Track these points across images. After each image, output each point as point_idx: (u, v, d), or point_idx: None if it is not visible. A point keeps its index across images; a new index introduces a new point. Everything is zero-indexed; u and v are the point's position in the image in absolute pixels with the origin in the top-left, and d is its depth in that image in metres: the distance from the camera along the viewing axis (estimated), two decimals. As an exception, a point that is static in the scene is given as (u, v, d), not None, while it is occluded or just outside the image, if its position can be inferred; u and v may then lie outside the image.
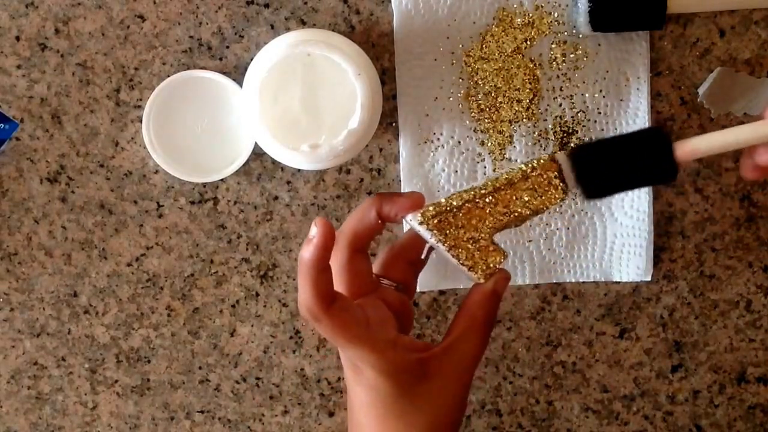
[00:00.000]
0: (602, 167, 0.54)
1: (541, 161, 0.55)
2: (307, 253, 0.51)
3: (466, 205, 0.54)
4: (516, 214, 0.55)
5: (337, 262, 0.56)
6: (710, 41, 0.67)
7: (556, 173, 0.55)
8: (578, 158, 0.54)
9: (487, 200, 0.55)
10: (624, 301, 0.70)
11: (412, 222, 0.55)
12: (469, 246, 0.55)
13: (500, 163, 0.67)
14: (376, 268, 0.59)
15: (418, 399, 0.54)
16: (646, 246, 0.68)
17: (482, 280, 0.56)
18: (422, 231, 0.55)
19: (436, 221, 0.54)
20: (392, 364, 0.53)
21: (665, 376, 0.71)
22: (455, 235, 0.55)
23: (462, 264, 0.55)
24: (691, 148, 0.53)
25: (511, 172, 0.55)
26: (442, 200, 0.54)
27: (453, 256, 0.55)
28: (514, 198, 0.55)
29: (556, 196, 0.55)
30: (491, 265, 0.55)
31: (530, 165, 0.55)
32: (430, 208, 0.54)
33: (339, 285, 0.56)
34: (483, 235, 0.55)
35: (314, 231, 0.51)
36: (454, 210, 0.54)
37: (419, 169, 0.67)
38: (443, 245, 0.54)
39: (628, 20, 0.64)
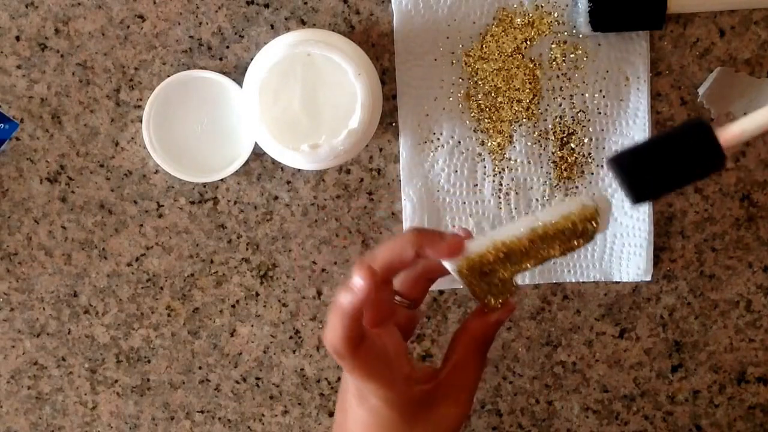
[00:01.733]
0: (649, 171, 0.52)
1: (586, 212, 0.53)
2: (346, 301, 0.50)
3: (501, 255, 0.54)
4: (543, 258, 0.55)
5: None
6: (710, 41, 0.67)
7: (594, 221, 0.54)
8: (623, 165, 0.52)
9: (522, 249, 0.54)
10: (624, 301, 0.70)
11: (447, 265, 0.54)
12: (491, 287, 0.55)
13: (500, 163, 0.67)
14: (395, 284, 0.58)
15: (420, 425, 0.55)
16: (646, 246, 0.68)
17: (487, 309, 0.56)
18: (455, 274, 0.54)
19: (469, 272, 0.54)
20: (400, 397, 0.54)
21: (665, 376, 0.71)
22: (485, 281, 0.55)
23: (478, 300, 0.56)
24: (733, 133, 0.51)
25: (556, 224, 0.54)
26: (484, 251, 0.54)
27: (474, 295, 0.55)
28: (547, 247, 0.54)
29: (586, 240, 0.55)
30: (502, 299, 0.56)
31: (573, 218, 0.54)
32: (470, 261, 0.54)
33: (364, 314, 0.55)
34: (507, 277, 0.55)
35: (358, 281, 0.50)
36: (490, 262, 0.54)
37: (419, 169, 0.67)
38: (469, 288, 0.55)
39: (628, 20, 0.64)
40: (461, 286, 0.69)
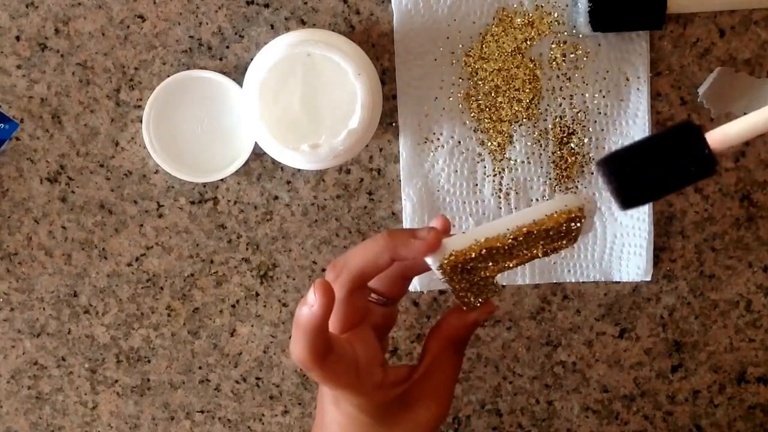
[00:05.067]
0: (637, 174, 0.50)
1: (572, 211, 0.52)
2: (305, 317, 0.50)
3: (486, 252, 0.52)
4: (527, 258, 0.53)
5: (336, 297, 0.53)
6: (710, 41, 0.67)
7: (578, 222, 0.52)
8: (612, 167, 0.50)
9: (506, 247, 0.53)
10: (624, 301, 0.70)
11: (431, 263, 0.53)
12: (473, 287, 0.54)
13: (500, 163, 0.67)
14: (372, 281, 0.57)
15: (396, 425, 0.55)
16: (646, 246, 0.68)
17: (466, 308, 0.55)
18: (436, 272, 0.53)
19: (451, 269, 0.53)
20: (373, 403, 0.54)
21: (665, 376, 0.71)
22: (466, 278, 0.54)
23: (459, 299, 0.55)
24: (720, 136, 0.49)
25: (540, 222, 0.52)
26: (466, 247, 0.52)
27: (455, 294, 0.54)
28: (530, 245, 0.53)
29: (570, 241, 0.53)
30: (483, 299, 0.55)
31: (563, 216, 0.52)
32: (452, 258, 0.52)
33: (333, 319, 0.54)
34: (489, 276, 0.54)
35: (313, 297, 0.49)
36: (472, 259, 0.53)
37: (419, 169, 0.67)
38: (450, 286, 0.54)
39: (628, 20, 0.64)
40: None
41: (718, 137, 0.49)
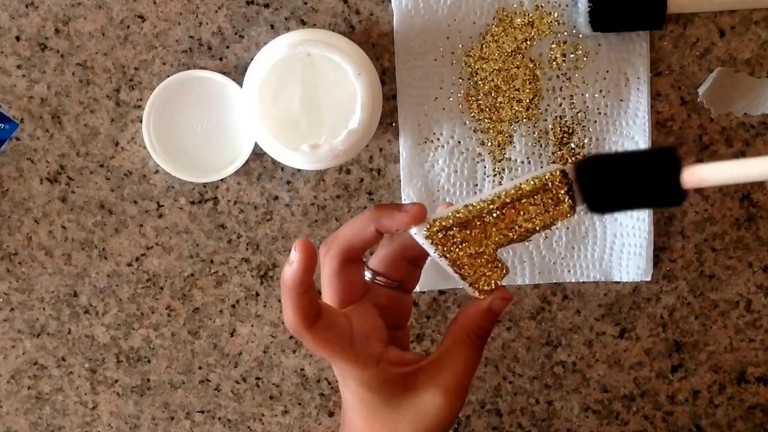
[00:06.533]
0: (608, 182, 0.51)
1: (552, 176, 0.52)
2: (288, 275, 0.50)
3: (473, 220, 0.52)
4: (523, 229, 0.53)
5: (328, 270, 0.55)
6: (710, 41, 0.67)
7: (565, 189, 0.52)
8: (584, 170, 0.52)
9: (494, 215, 0.53)
10: (624, 301, 0.70)
11: (416, 235, 0.53)
12: (472, 261, 0.53)
13: (500, 163, 0.67)
14: (373, 262, 0.57)
15: (403, 409, 0.54)
16: (646, 246, 0.68)
17: (480, 296, 0.54)
18: (426, 245, 0.53)
19: (440, 236, 0.53)
20: (374, 379, 0.53)
21: (665, 376, 0.71)
22: (459, 250, 0.53)
23: (462, 279, 0.54)
24: (698, 177, 0.49)
25: (520, 186, 0.52)
26: (448, 213, 0.53)
27: (455, 271, 0.54)
28: (522, 213, 0.53)
29: (565, 211, 0.53)
30: (491, 283, 0.54)
31: (541, 179, 0.52)
32: (436, 223, 0.52)
33: (328, 293, 0.55)
34: (487, 251, 0.53)
35: (294, 255, 0.50)
36: (460, 225, 0.53)
37: (419, 169, 0.67)
38: (446, 260, 0.53)
39: (628, 20, 0.64)
40: (460, 285, 0.69)
41: (693, 179, 0.49)
